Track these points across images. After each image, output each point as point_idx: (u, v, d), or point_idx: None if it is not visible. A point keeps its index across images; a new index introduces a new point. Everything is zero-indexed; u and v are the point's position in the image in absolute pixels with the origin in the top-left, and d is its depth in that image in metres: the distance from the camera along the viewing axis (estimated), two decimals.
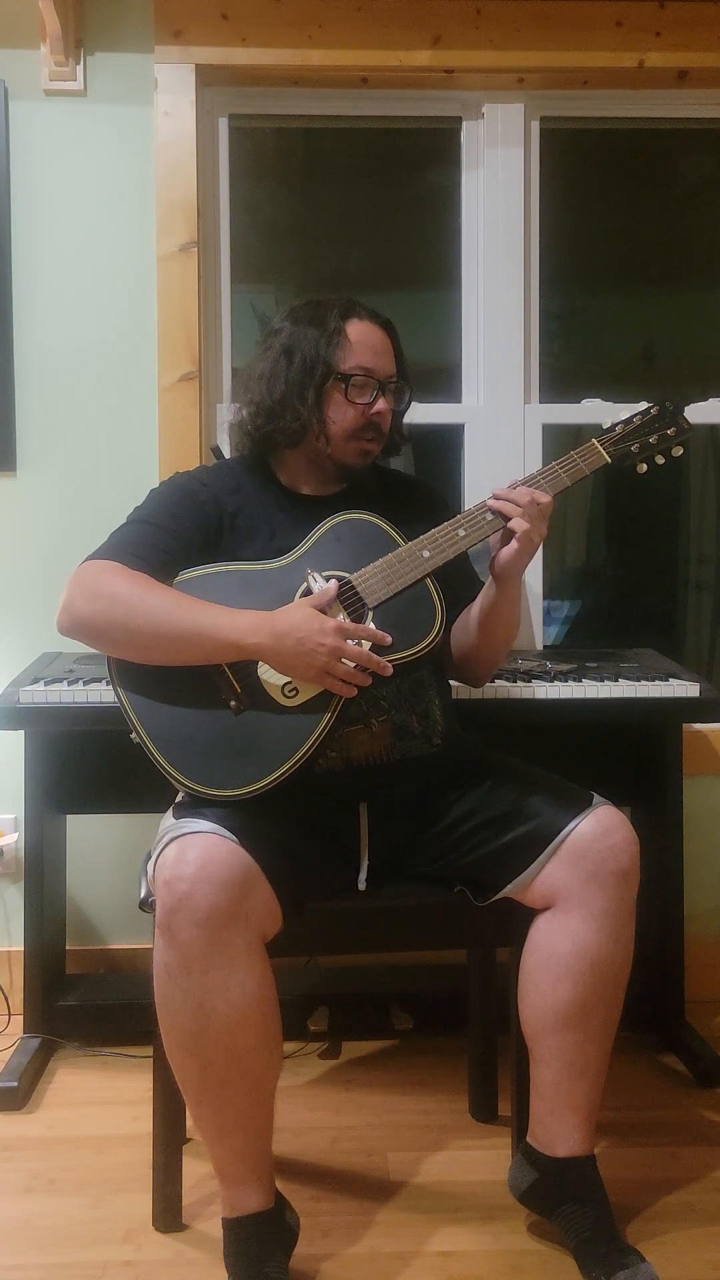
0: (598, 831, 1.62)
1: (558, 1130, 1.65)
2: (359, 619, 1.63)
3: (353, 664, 1.57)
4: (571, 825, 1.63)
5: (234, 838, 1.51)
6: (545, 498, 1.67)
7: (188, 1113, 1.61)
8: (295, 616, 1.58)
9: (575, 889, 1.61)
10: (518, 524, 1.65)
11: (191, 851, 1.49)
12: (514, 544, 1.66)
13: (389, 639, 1.60)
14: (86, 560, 1.67)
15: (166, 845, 1.53)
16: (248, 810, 1.56)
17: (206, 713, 1.61)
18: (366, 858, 1.71)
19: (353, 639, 1.58)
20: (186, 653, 1.60)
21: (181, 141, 2.46)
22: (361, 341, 1.74)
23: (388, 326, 1.80)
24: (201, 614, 1.59)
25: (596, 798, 1.69)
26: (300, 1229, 1.62)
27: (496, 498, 1.68)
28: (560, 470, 1.72)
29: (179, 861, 1.48)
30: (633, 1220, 1.73)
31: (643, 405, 1.77)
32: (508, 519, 1.66)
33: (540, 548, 1.74)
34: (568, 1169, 1.64)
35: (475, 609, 1.78)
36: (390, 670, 1.59)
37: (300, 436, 1.74)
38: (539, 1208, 1.68)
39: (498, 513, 1.67)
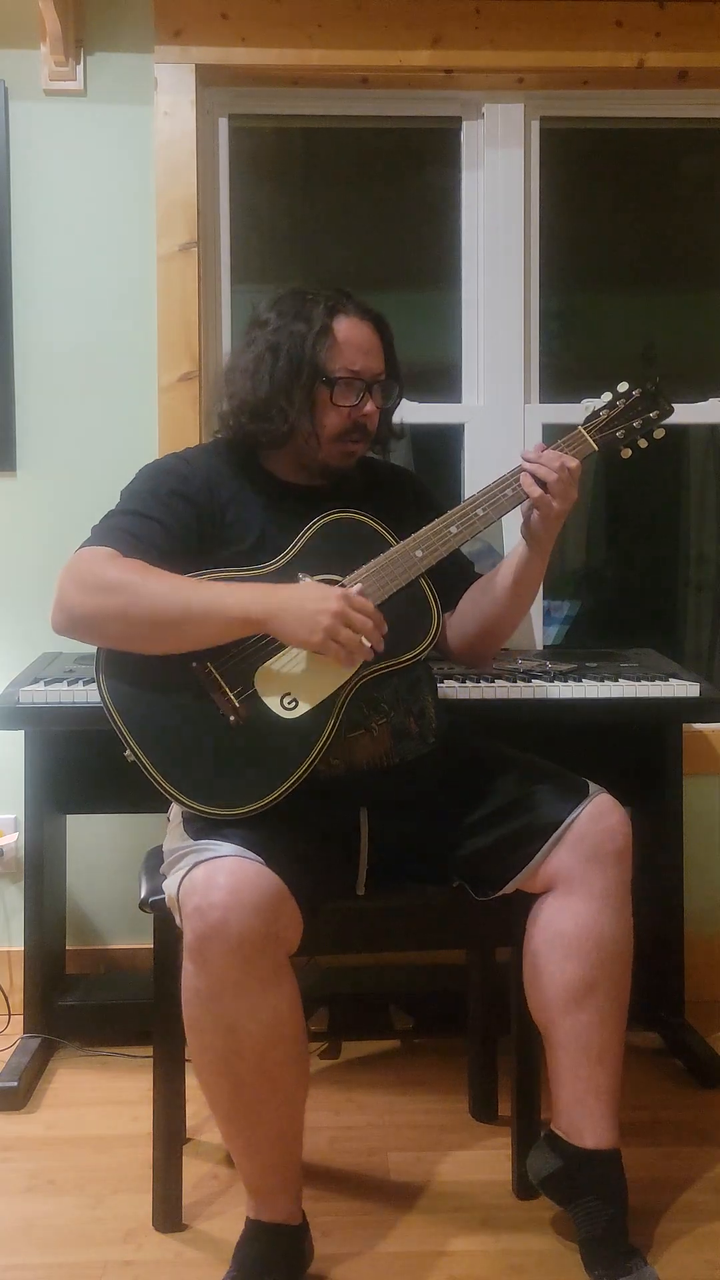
0: (595, 814, 1.65)
1: (583, 1119, 1.64)
2: None
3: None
4: (573, 815, 1.64)
5: (259, 858, 1.48)
6: (574, 462, 1.66)
7: (219, 1131, 1.59)
8: (300, 585, 1.57)
9: (576, 871, 1.62)
10: (537, 489, 1.65)
11: (221, 875, 1.45)
12: (537, 511, 1.67)
13: (385, 625, 1.58)
14: (79, 550, 1.63)
15: (192, 868, 1.49)
16: (264, 823, 1.54)
17: (205, 731, 1.58)
18: (365, 863, 1.71)
19: (358, 609, 1.55)
20: (194, 636, 1.56)
21: (181, 141, 2.46)
22: (349, 341, 1.69)
23: (378, 322, 1.74)
24: (202, 593, 1.56)
25: (593, 786, 1.70)
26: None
27: (529, 460, 1.67)
28: None
29: (209, 886, 1.45)
30: (633, 1220, 1.72)
31: (623, 387, 1.74)
32: (543, 484, 1.65)
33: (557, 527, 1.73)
34: (594, 1162, 1.64)
35: (500, 576, 1.76)
36: (382, 646, 1.57)
37: (286, 439, 1.70)
38: (558, 1196, 1.66)
39: (531, 474, 1.66)
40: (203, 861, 1.49)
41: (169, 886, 1.56)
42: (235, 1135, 1.54)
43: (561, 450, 1.69)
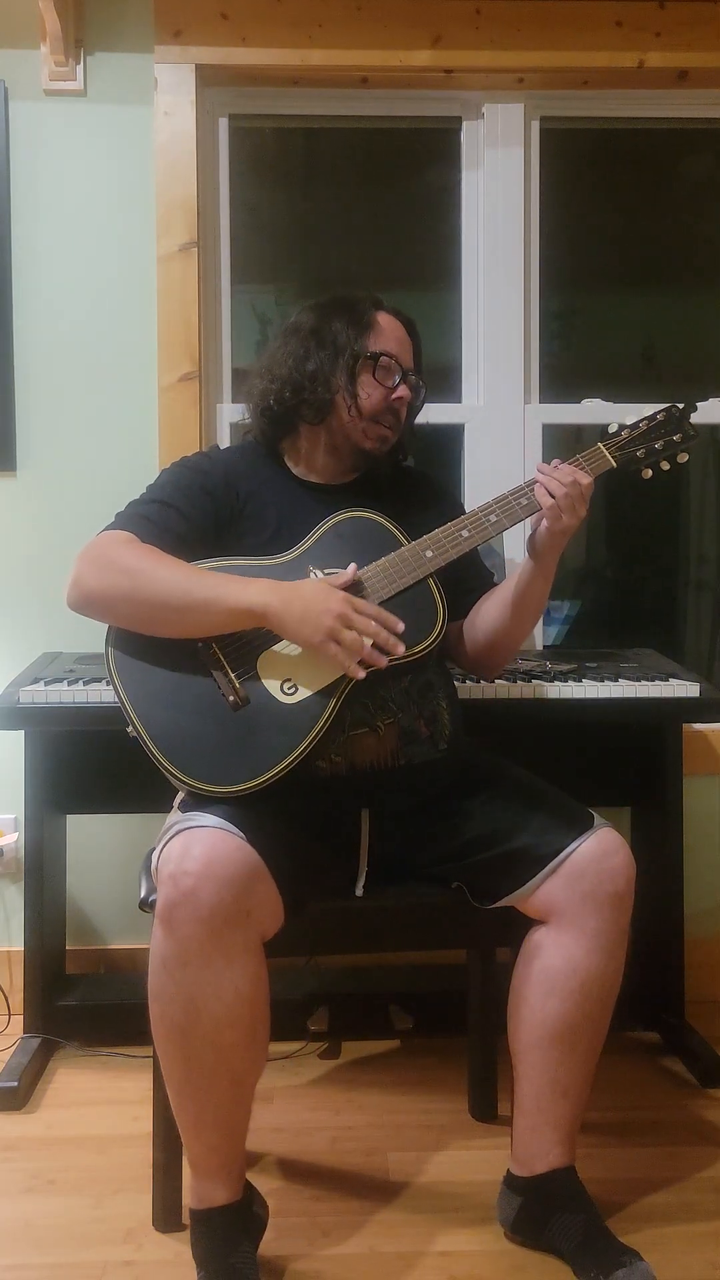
0: (597, 853, 1.62)
1: (536, 1147, 1.65)
2: None
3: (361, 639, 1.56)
4: (572, 846, 1.62)
5: (240, 834, 1.50)
6: (586, 478, 1.68)
7: (170, 1103, 1.60)
8: (305, 584, 1.60)
9: (571, 907, 1.61)
10: (549, 499, 1.66)
11: (198, 846, 1.48)
12: (545, 524, 1.68)
13: (400, 625, 1.60)
14: (99, 533, 1.70)
15: (172, 837, 1.53)
16: (254, 806, 1.55)
17: (205, 709, 1.60)
18: (365, 865, 1.71)
19: (360, 612, 1.57)
20: (194, 622, 1.61)
21: (181, 141, 2.47)
22: (389, 330, 1.80)
23: (410, 325, 1.84)
24: (210, 583, 1.61)
25: (598, 819, 1.68)
26: (299, 1229, 1.62)
27: (544, 472, 1.68)
28: None
29: (184, 855, 1.48)
30: (632, 1220, 1.73)
31: (649, 410, 1.77)
32: (541, 507, 1.67)
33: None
34: (548, 1183, 1.64)
35: (506, 590, 1.78)
36: (402, 649, 1.58)
37: (327, 409, 1.76)
38: (528, 1232, 1.66)
39: (544, 487, 1.67)
40: (182, 831, 1.52)
41: (153, 860, 1.59)
42: (183, 1109, 1.56)
43: (579, 465, 1.72)
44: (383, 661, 1.57)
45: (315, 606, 1.56)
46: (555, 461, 1.71)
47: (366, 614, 1.58)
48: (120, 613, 1.64)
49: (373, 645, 1.56)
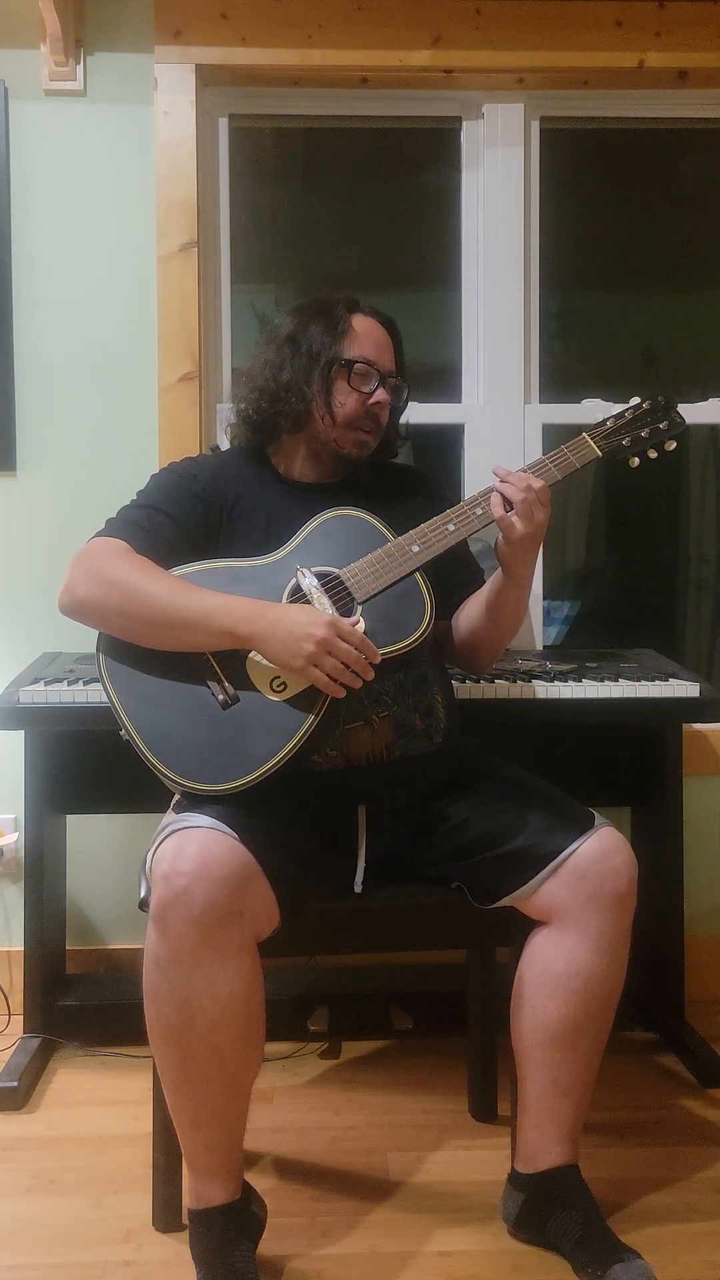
0: (599, 853, 1.62)
1: (540, 1145, 1.65)
2: (347, 613, 1.63)
3: (341, 663, 1.57)
4: (574, 846, 1.62)
5: (234, 834, 1.51)
6: (539, 482, 1.66)
7: (167, 1103, 1.60)
8: (291, 608, 1.60)
9: (574, 908, 1.61)
10: (504, 504, 1.65)
11: (191, 846, 1.49)
12: (500, 532, 1.67)
13: (378, 656, 1.58)
14: (92, 539, 1.70)
15: (166, 838, 1.53)
16: (248, 806, 1.56)
17: (195, 708, 1.61)
18: (363, 860, 1.71)
19: (344, 638, 1.57)
20: (181, 639, 1.61)
21: (181, 141, 2.47)
22: (365, 334, 1.79)
23: (390, 325, 1.83)
24: (197, 602, 1.61)
25: (599, 818, 1.68)
26: (299, 1228, 1.62)
27: (500, 479, 1.68)
28: (549, 464, 1.72)
29: (178, 856, 1.48)
30: (633, 1220, 1.73)
31: (635, 400, 1.77)
32: (510, 505, 1.66)
33: (540, 542, 1.73)
34: (551, 1180, 1.65)
35: (484, 595, 1.79)
36: (373, 674, 1.58)
37: (304, 419, 1.77)
38: (531, 1228, 1.67)
39: (500, 493, 1.66)
40: (176, 831, 1.52)
41: (147, 860, 1.59)
42: (180, 1108, 1.56)
43: (566, 453, 1.72)
44: (357, 684, 1.57)
45: (299, 632, 1.55)
46: (522, 468, 1.70)
47: (351, 641, 1.56)
48: (110, 623, 1.65)
49: (349, 669, 1.56)
